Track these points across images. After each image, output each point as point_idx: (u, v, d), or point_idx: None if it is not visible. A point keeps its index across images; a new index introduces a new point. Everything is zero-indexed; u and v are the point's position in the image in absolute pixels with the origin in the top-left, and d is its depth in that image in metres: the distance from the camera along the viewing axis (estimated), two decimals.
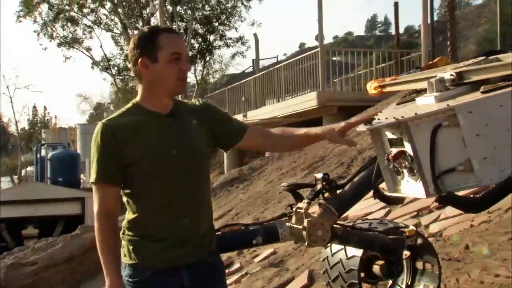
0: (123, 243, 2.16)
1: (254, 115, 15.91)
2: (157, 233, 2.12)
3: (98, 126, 2.15)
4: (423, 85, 2.57)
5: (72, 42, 25.45)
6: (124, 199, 2.18)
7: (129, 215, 2.16)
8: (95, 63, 26.02)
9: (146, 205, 2.13)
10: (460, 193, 2.33)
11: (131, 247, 2.13)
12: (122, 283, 2.09)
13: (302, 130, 2.42)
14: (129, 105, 2.22)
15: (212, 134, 2.28)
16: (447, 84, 2.40)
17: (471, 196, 2.51)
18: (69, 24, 25.36)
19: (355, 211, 5.06)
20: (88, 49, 25.85)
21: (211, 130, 2.27)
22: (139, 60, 2.14)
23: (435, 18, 15.19)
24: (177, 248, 2.13)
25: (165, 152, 2.11)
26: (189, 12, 24.08)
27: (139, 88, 2.22)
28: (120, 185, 2.13)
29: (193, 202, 2.16)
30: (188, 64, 2.17)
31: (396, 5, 16.35)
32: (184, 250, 2.14)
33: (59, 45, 25.43)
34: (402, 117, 2.30)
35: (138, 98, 2.21)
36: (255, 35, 18.79)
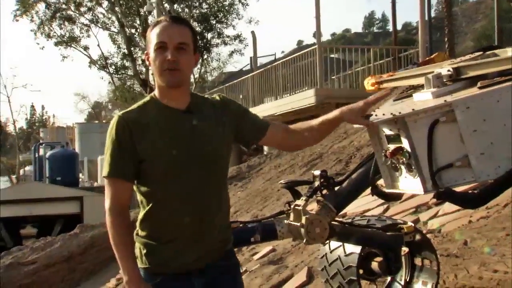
0: (136, 244, 2.10)
1: None
2: (169, 235, 2.06)
3: (114, 119, 2.08)
4: (420, 81, 2.56)
5: (69, 41, 25.37)
6: (138, 197, 2.12)
7: (142, 215, 2.10)
8: (92, 62, 25.96)
9: (159, 205, 2.06)
10: (458, 188, 2.33)
11: (144, 251, 2.07)
12: (140, 276, 2.02)
13: (318, 119, 2.38)
14: (147, 98, 2.16)
15: (233, 131, 2.20)
16: (444, 80, 2.39)
17: (469, 192, 2.50)
18: (66, 23, 25.28)
19: (354, 208, 5.06)
20: (86, 48, 25.79)
21: (231, 126, 2.19)
22: (145, 52, 2.13)
23: (433, 14, 15.21)
24: (189, 253, 2.06)
25: (178, 150, 2.04)
26: (186, 10, 24.03)
27: None
28: (133, 181, 2.07)
29: (207, 203, 2.08)
30: (173, 54, 2.02)
31: (393, 1, 16.35)
32: (195, 255, 2.07)
33: (57, 44, 25.35)
34: (400, 113, 2.30)
35: (155, 92, 2.15)
36: (252, 32, 18.80)
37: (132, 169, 2.03)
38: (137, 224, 2.13)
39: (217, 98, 2.25)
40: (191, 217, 2.05)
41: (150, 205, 2.07)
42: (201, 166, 2.06)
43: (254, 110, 16.00)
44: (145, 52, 2.12)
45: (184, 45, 2.05)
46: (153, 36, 2.06)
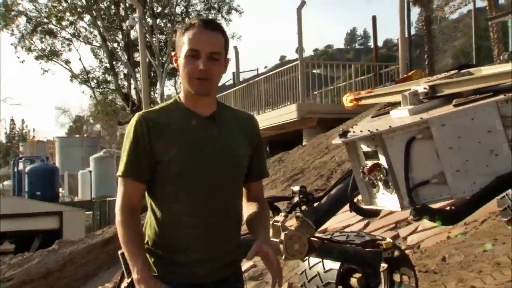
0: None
1: None
2: (182, 244, 1.95)
3: (134, 118, 1.99)
4: (397, 98, 2.60)
5: (50, 55, 25.21)
6: (148, 202, 2.02)
7: (152, 221, 1.99)
8: (74, 76, 25.82)
9: (170, 212, 1.96)
10: (435, 205, 2.36)
11: (152, 259, 1.96)
12: (149, 273, 1.90)
13: (256, 222, 2.05)
14: (171, 101, 2.07)
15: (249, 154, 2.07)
16: (421, 97, 2.43)
17: (446, 208, 2.53)
18: (47, 36, 25.14)
19: (334, 223, 5.07)
20: (67, 62, 25.65)
21: (250, 147, 2.07)
22: (173, 53, 2.03)
23: (413, 32, 15.44)
24: (203, 265, 1.95)
25: (196, 157, 1.94)
26: (169, 25, 24.09)
27: None
28: (147, 182, 1.97)
29: (222, 215, 1.98)
30: (205, 64, 1.92)
31: (374, 18, 16.58)
32: (210, 267, 1.96)
33: (37, 58, 25.19)
34: (377, 130, 2.32)
35: (180, 94, 2.06)
36: (235, 47, 18.83)
37: (147, 170, 1.95)
38: (147, 232, 2.02)
39: (247, 115, 2.17)
40: (205, 226, 1.95)
41: (161, 211, 1.97)
42: (218, 176, 1.97)
43: None
44: (174, 53, 2.02)
45: (217, 55, 1.95)
46: (185, 40, 1.95)
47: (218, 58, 1.96)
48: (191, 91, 1.97)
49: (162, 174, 1.95)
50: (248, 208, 2.09)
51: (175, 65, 2.03)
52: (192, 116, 1.99)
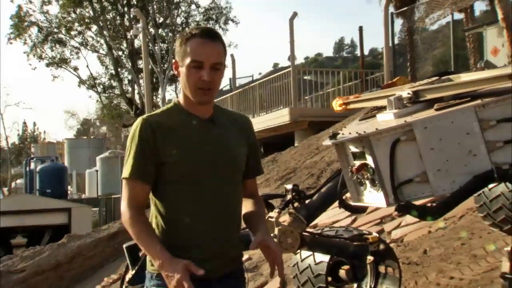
0: None
1: None
2: (189, 241, 1.88)
3: (138, 122, 1.92)
4: (383, 102, 2.59)
5: (60, 62, 25.13)
6: (152, 201, 1.95)
7: (158, 220, 1.92)
8: (81, 82, 25.74)
9: (176, 212, 1.90)
10: (417, 202, 2.35)
11: None
12: (170, 255, 1.79)
13: (254, 219, 2.03)
14: (170, 104, 2.02)
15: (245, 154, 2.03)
16: (405, 102, 2.42)
17: (428, 205, 2.53)
18: (57, 45, 25.08)
19: (324, 219, 5.06)
20: (75, 69, 25.57)
21: (246, 147, 2.03)
22: (173, 61, 1.96)
23: (396, 41, 15.45)
24: (211, 261, 1.88)
25: (200, 157, 1.90)
26: (170, 34, 24.06)
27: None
28: (152, 184, 1.90)
29: (227, 210, 1.94)
30: (209, 74, 1.87)
31: (360, 29, 16.61)
32: (217, 263, 1.90)
33: (48, 65, 25.09)
34: (364, 132, 2.32)
35: (179, 98, 2.01)
36: (232, 55, 18.81)
37: (153, 171, 1.88)
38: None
39: (242, 117, 2.14)
40: (210, 224, 1.89)
41: (166, 210, 1.91)
42: (221, 175, 1.92)
43: None
44: (174, 61, 1.95)
45: (219, 65, 1.90)
46: (188, 50, 1.88)
47: (220, 67, 1.92)
48: (193, 101, 1.92)
49: (168, 175, 1.89)
50: (245, 205, 2.06)
51: (175, 72, 1.98)
52: (193, 119, 1.95)
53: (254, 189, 2.14)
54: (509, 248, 2.09)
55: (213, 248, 1.90)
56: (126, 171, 1.90)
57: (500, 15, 10.65)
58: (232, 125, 2.03)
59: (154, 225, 1.93)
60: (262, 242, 1.89)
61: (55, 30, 24.98)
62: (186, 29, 2.00)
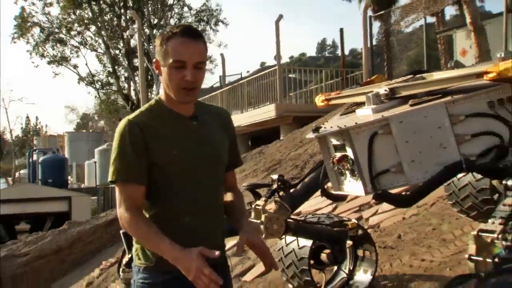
0: (137, 246, 1.83)
1: None
2: (179, 236, 1.74)
3: (124, 124, 1.78)
4: (362, 98, 2.59)
5: (60, 60, 24.91)
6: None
7: (148, 217, 1.81)
8: (81, 79, 25.51)
9: (167, 210, 1.80)
10: (393, 191, 2.36)
11: (151, 251, 1.78)
12: (180, 247, 1.69)
13: (236, 212, 1.94)
14: (152, 102, 1.88)
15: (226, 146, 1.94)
16: (382, 98, 2.43)
17: (402, 193, 2.54)
18: (58, 44, 24.85)
19: (307, 207, 5.08)
20: (75, 67, 25.37)
21: (227, 141, 1.94)
22: (154, 60, 1.82)
23: (374, 42, 15.51)
24: None
25: (188, 156, 1.80)
26: None
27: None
28: (145, 184, 1.78)
29: (214, 205, 1.86)
30: (192, 74, 1.74)
31: (341, 31, 16.60)
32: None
33: (49, 63, 24.88)
34: (345, 126, 2.32)
35: (160, 95, 1.87)
36: (221, 55, 18.71)
37: (145, 172, 1.76)
38: None
39: (221, 110, 2.05)
40: (201, 220, 1.80)
41: (156, 208, 1.80)
42: (209, 172, 1.83)
43: None
44: (155, 60, 1.81)
45: (202, 64, 1.77)
46: (169, 50, 1.74)
47: (202, 66, 1.78)
48: (176, 100, 1.80)
49: (158, 174, 1.78)
50: (226, 197, 1.97)
51: (156, 71, 1.83)
52: (178, 117, 1.83)
53: (233, 181, 2.05)
54: (475, 232, 2.11)
55: (203, 243, 1.76)
56: (118, 175, 1.77)
57: (468, 19, 10.73)
58: (214, 120, 1.93)
59: None
60: (248, 241, 1.82)
61: (56, 30, 24.75)
62: (167, 27, 1.86)
